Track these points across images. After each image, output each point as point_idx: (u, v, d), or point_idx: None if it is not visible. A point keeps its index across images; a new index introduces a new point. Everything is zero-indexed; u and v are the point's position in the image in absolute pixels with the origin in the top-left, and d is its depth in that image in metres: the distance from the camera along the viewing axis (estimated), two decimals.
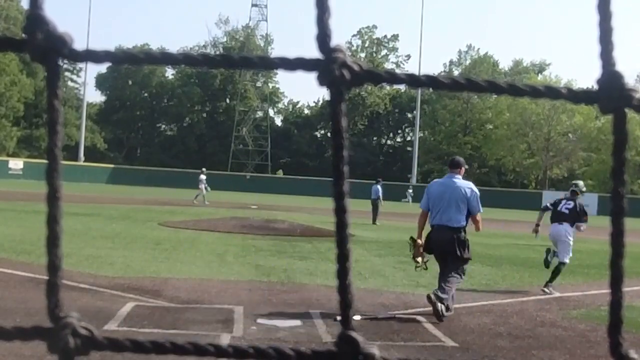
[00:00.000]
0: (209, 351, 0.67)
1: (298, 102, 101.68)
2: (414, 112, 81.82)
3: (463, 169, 8.78)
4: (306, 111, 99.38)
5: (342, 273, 0.65)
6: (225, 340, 6.49)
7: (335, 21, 0.65)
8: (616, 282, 0.64)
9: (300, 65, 0.66)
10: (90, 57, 0.68)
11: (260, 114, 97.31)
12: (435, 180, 9.53)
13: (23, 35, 0.66)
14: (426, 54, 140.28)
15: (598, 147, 71.85)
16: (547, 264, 11.51)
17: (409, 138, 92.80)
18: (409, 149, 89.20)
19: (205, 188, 37.00)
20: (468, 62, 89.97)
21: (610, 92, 0.63)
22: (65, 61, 0.68)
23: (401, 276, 11.96)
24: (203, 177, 37.33)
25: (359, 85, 0.66)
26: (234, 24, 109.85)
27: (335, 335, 0.65)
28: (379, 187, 27.60)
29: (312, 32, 0.65)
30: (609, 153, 0.65)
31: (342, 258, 0.65)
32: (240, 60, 0.68)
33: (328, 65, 0.65)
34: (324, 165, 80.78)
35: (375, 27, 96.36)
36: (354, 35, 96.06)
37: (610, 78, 0.64)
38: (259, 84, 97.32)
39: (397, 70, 0.68)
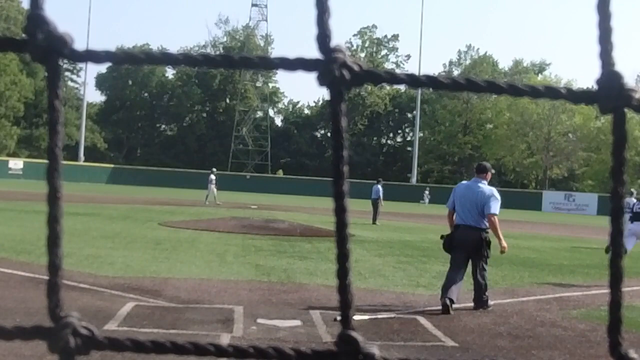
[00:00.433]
0: (209, 351, 0.67)
1: (298, 102, 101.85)
2: (414, 112, 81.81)
3: (489, 174, 9.29)
4: (306, 111, 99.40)
5: (342, 273, 0.65)
6: (225, 340, 6.50)
7: (335, 21, 0.65)
8: (616, 282, 0.64)
9: (300, 66, 0.66)
10: (90, 57, 0.69)
11: (260, 114, 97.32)
12: (462, 182, 9.95)
13: (24, 35, 0.66)
14: (426, 54, 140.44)
15: (598, 147, 71.87)
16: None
17: (409, 138, 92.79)
18: (409, 149, 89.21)
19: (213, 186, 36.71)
20: (468, 62, 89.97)
21: (609, 92, 0.64)
22: (66, 61, 0.68)
23: (401, 276, 11.96)
24: (213, 177, 37.08)
25: (358, 86, 0.66)
26: (234, 24, 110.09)
27: (335, 335, 0.65)
28: (379, 187, 27.61)
29: (312, 32, 0.66)
30: (609, 153, 0.65)
31: (342, 258, 0.65)
32: (240, 60, 0.68)
33: (328, 66, 0.65)
34: (324, 165, 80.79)
35: (375, 27, 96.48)
36: (354, 35, 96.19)
37: (610, 78, 0.64)
38: (259, 84, 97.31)
39: (397, 70, 0.68)
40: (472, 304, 9.15)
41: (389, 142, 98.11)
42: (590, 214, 57.24)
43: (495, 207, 8.95)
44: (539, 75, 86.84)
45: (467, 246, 8.87)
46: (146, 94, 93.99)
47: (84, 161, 71.56)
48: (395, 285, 10.87)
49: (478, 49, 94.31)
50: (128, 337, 0.67)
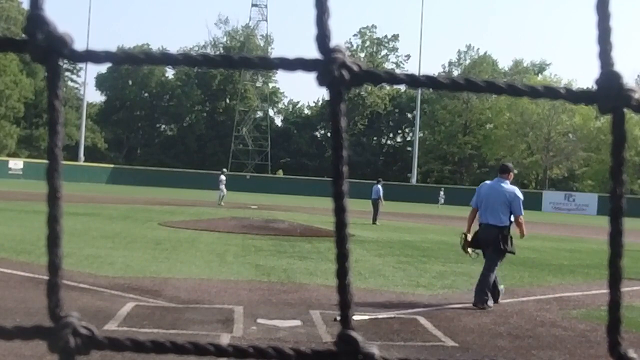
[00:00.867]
0: (209, 351, 0.67)
1: (298, 102, 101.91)
2: (414, 112, 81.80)
3: (511, 174, 9.69)
4: (306, 111, 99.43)
5: (342, 273, 0.65)
6: (225, 340, 6.50)
7: (335, 21, 0.65)
8: (615, 282, 0.65)
9: (300, 66, 0.66)
10: (90, 58, 0.69)
11: (260, 114, 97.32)
12: (485, 182, 10.20)
13: (24, 35, 0.66)
14: (426, 54, 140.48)
15: (598, 147, 71.85)
16: None
17: (409, 138, 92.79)
18: (409, 149, 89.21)
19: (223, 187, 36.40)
20: (468, 62, 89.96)
21: (608, 92, 0.64)
22: (66, 61, 0.68)
23: (401, 276, 11.96)
24: (223, 177, 36.76)
25: (358, 86, 0.66)
26: (234, 24, 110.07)
27: (335, 335, 0.65)
28: (379, 187, 27.62)
29: (312, 32, 0.66)
30: (609, 153, 0.65)
31: (342, 258, 0.65)
32: (240, 61, 0.68)
33: (327, 66, 0.65)
34: (324, 165, 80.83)
35: (375, 27, 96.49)
36: (354, 35, 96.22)
37: (609, 78, 0.64)
38: (258, 84, 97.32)
39: (397, 70, 0.68)
40: (471, 304, 9.15)
41: (389, 142, 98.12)
42: (590, 214, 57.25)
43: (521, 207, 9.41)
44: (539, 75, 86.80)
45: (489, 243, 9.35)
46: (146, 94, 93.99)
47: (84, 161, 71.58)
48: (395, 285, 10.88)
49: (478, 49, 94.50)
50: (128, 337, 0.68)
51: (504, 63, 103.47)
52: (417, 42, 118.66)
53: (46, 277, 0.67)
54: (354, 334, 0.65)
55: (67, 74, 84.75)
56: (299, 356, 0.66)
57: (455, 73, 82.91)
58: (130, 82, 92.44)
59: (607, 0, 0.64)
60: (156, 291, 9.16)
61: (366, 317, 7.95)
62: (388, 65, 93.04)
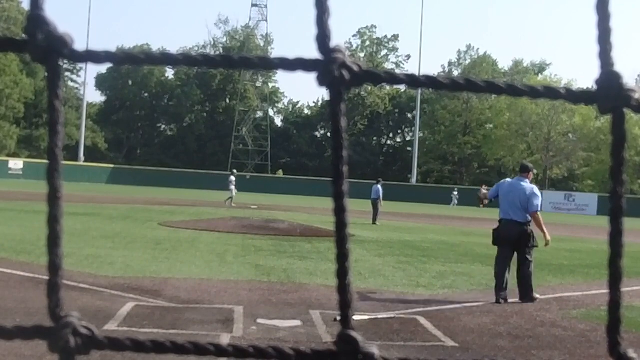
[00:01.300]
0: (209, 350, 0.67)
1: (298, 102, 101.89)
2: (414, 112, 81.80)
3: (531, 173, 10.20)
4: (306, 111, 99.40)
5: (342, 273, 0.65)
6: (225, 340, 6.50)
7: (335, 21, 0.65)
8: (615, 282, 0.65)
9: (300, 66, 0.66)
10: (90, 58, 0.69)
11: (260, 114, 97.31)
12: (507, 179, 10.78)
13: (24, 35, 0.66)
14: (426, 54, 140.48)
15: (598, 147, 71.85)
16: None
17: (409, 138, 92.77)
18: (409, 149, 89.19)
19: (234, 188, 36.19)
20: (468, 62, 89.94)
21: (608, 92, 0.64)
22: (66, 61, 0.68)
23: (401, 276, 11.96)
24: (233, 178, 36.59)
25: (358, 86, 0.66)
26: (233, 24, 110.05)
27: (335, 335, 0.65)
28: (379, 187, 27.63)
29: (312, 33, 0.66)
30: (609, 153, 0.65)
31: (342, 258, 0.65)
32: (240, 61, 0.68)
33: (328, 66, 0.65)
34: (324, 165, 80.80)
35: (374, 27, 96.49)
36: (353, 36, 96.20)
37: (609, 78, 0.64)
38: (258, 84, 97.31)
39: (397, 71, 0.68)
40: (471, 304, 9.16)
41: (388, 142, 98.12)
42: (590, 214, 57.25)
43: (538, 204, 9.75)
44: (539, 75, 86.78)
45: (512, 240, 9.70)
46: (146, 94, 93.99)
47: (84, 161, 71.57)
48: (395, 285, 10.87)
49: (478, 49, 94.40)
50: (128, 337, 0.68)
51: (504, 63, 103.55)
52: (417, 42, 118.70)
53: (46, 277, 0.67)
54: (354, 334, 0.65)
55: (67, 74, 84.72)
56: (299, 356, 0.66)
57: (455, 73, 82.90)
58: (130, 82, 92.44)
59: (607, 0, 0.64)
60: (156, 291, 9.16)
61: (366, 317, 7.95)
62: (388, 66, 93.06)
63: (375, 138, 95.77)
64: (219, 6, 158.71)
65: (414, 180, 75.97)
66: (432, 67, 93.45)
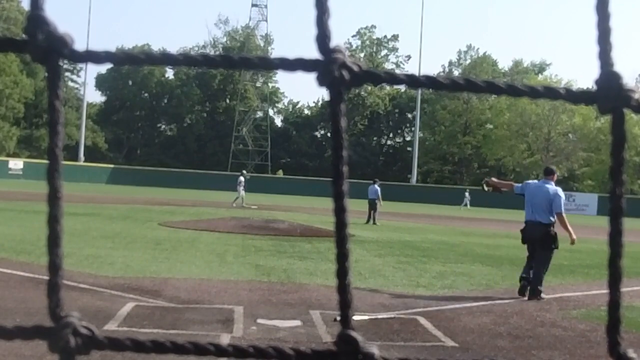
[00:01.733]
0: (209, 351, 0.67)
1: (298, 102, 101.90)
2: (414, 112, 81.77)
3: (555, 175, 10.70)
4: (306, 111, 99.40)
5: (342, 273, 0.65)
6: (225, 340, 6.49)
7: (335, 21, 0.65)
8: (615, 282, 0.65)
9: (300, 66, 0.66)
10: (90, 58, 0.69)
11: (260, 114, 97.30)
12: (534, 180, 11.44)
13: (24, 35, 0.66)
14: (426, 54, 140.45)
15: (598, 147, 71.83)
16: None
17: (408, 138, 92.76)
18: (409, 149, 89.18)
19: (243, 188, 36.08)
20: (468, 62, 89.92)
21: (608, 92, 0.64)
22: (66, 62, 0.68)
23: (401, 276, 11.96)
24: (242, 179, 36.46)
25: (358, 86, 0.66)
26: (233, 24, 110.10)
27: (335, 335, 0.65)
28: (377, 187, 27.64)
29: (312, 33, 0.66)
30: (609, 153, 0.65)
31: (342, 258, 0.65)
32: (240, 61, 0.68)
33: (327, 66, 0.65)
34: (323, 165, 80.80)
35: (374, 27, 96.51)
36: (353, 36, 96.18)
37: (609, 78, 0.64)
38: (258, 84, 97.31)
39: (397, 71, 0.68)
40: (471, 304, 9.16)
41: (388, 142, 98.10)
42: (590, 214, 57.20)
43: (561, 205, 10.19)
44: (539, 75, 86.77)
45: (535, 240, 10.19)
46: (146, 94, 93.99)
47: (84, 161, 71.56)
48: (395, 285, 10.87)
49: (478, 49, 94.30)
50: (128, 337, 0.68)
51: (504, 63, 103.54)
52: (417, 42, 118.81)
53: (46, 277, 0.67)
54: (354, 334, 0.65)
55: (67, 74, 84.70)
56: (299, 356, 0.66)
57: (456, 73, 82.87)
58: (130, 83, 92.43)
59: (607, 0, 0.64)
60: (156, 291, 9.16)
61: (366, 317, 7.95)
62: (388, 66, 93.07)
63: (375, 138, 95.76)
64: (219, 6, 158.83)
65: (413, 180, 75.96)
66: (432, 67, 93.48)
